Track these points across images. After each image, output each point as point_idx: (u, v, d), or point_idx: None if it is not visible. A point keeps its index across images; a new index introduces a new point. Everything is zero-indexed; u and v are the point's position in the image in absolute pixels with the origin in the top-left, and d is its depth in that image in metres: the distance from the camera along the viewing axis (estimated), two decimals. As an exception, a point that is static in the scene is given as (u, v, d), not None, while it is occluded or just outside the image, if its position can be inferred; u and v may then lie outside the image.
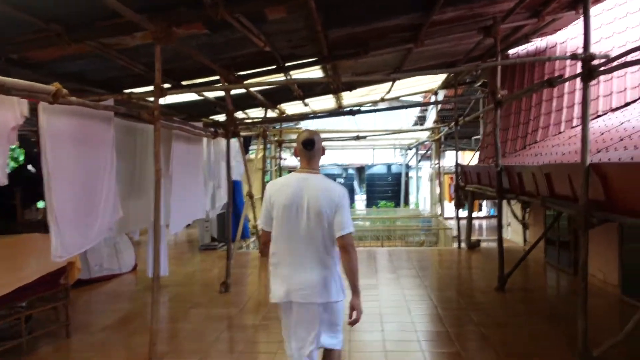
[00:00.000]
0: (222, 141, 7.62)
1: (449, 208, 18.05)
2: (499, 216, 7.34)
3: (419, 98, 22.95)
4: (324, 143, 3.38)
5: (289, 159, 22.95)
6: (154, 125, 4.62)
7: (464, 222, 10.67)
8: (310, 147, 3.22)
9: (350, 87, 10.33)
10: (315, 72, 8.61)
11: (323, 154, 3.34)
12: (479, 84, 13.91)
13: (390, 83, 11.74)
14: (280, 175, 13.61)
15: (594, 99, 9.23)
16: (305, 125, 17.55)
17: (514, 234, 13.48)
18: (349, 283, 3.18)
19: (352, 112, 9.13)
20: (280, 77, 8.01)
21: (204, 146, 7.60)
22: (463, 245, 10.41)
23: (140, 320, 6.01)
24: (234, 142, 7.92)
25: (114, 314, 6.39)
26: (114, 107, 4.68)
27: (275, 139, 12.87)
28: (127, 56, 5.59)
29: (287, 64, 7.18)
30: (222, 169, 8.06)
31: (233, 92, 8.58)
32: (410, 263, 8.95)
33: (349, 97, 12.87)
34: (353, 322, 3.14)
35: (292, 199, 3.10)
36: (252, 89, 8.38)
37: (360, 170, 21.83)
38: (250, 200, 9.26)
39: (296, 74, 8.38)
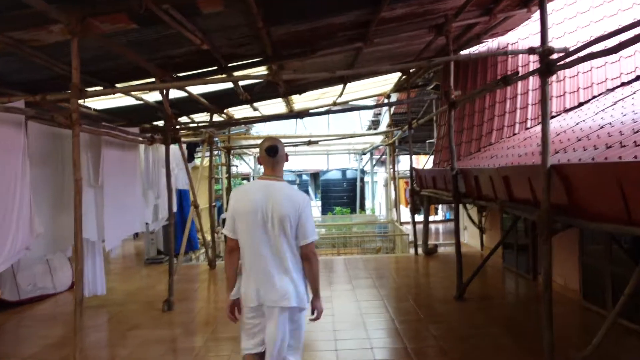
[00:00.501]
0: (162, 148, 7.08)
1: (405, 213, 17.90)
2: (456, 221, 7.05)
3: (371, 102, 22.93)
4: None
5: (242, 166, 22.44)
6: (72, 131, 4.08)
7: (420, 227, 10.41)
8: (273, 154, 3.25)
9: (300, 90, 9.94)
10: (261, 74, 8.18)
11: (286, 160, 3.39)
12: (431, 86, 13.77)
13: (342, 86, 11.42)
14: (230, 184, 13.07)
15: (535, 103, 9.13)
16: (256, 131, 17.07)
17: (470, 238, 13.35)
18: (310, 287, 3.30)
19: (299, 115, 8.72)
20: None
21: (141, 153, 7.02)
22: (420, 251, 10.14)
23: (72, 348, 5.39)
24: (175, 149, 7.36)
25: (42, 340, 5.72)
26: (21, 109, 4.10)
27: (223, 145, 12.32)
28: (47, 54, 5.01)
29: (229, 64, 6.70)
30: (162, 178, 7.50)
31: (175, 95, 8.06)
32: (366, 272, 8.59)
33: (300, 102, 12.49)
34: (315, 319, 3.37)
35: (256, 206, 3.13)
36: (194, 92, 7.87)
37: (315, 176, 21.50)
38: (195, 210, 8.69)
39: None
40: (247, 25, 5.39)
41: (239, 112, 12.32)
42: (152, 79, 6.43)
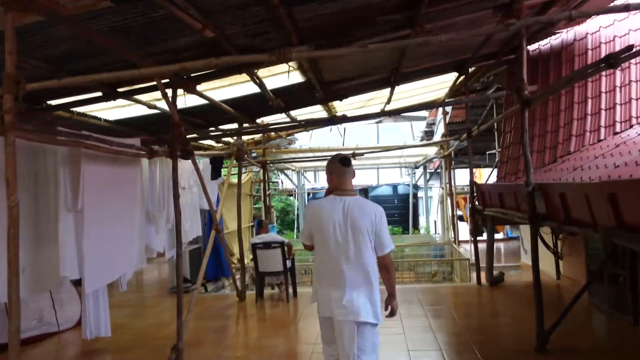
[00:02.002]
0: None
1: (464, 230, 16.25)
2: (534, 251, 5.56)
3: (424, 114, 21.38)
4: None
5: (285, 182, 21.36)
6: (5, 138, 2.96)
7: (483, 246, 8.87)
8: (348, 164, 3.43)
9: (340, 95, 8.68)
10: (292, 75, 7.00)
11: (354, 176, 3.49)
12: (492, 90, 12.26)
13: (389, 92, 10.10)
14: (267, 201, 11.90)
15: (625, 103, 7.52)
16: (300, 144, 15.91)
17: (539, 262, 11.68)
18: (387, 290, 3.40)
19: (335, 120, 7.59)
20: (244, 80, 6.43)
21: (144, 170, 5.90)
22: (483, 279, 8.60)
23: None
24: (187, 164, 6.23)
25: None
26: None
27: (259, 158, 11.15)
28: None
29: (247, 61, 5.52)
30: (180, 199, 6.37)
31: (196, 102, 7.00)
32: (420, 307, 7.17)
33: (343, 110, 11.25)
34: (390, 315, 3.40)
35: (333, 220, 3.23)
36: (215, 98, 6.77)
37: (365, 192, 20.10)
38: (218, 233, 7.54)
39: (266, 77, 6.77)
40: (261, 4, 4.20)
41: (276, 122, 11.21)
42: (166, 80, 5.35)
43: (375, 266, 3.29)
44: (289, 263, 8.24)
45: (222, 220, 10.04)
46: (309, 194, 19.68)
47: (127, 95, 5.89)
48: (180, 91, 5.73)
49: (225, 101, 7.38)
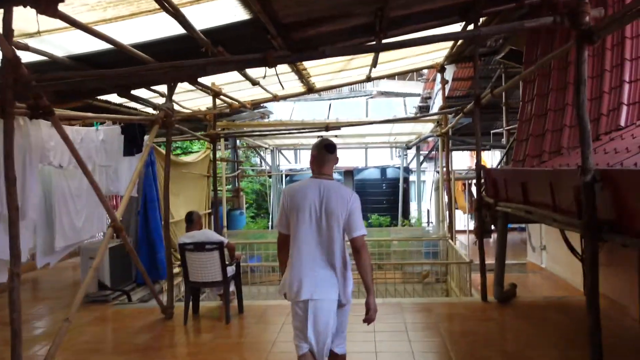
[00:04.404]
0: (38, 127, 3.79)
1: (459, 218, 14.17)
2: (593, 271, 3.43)
3: (418, 89, 19.15)
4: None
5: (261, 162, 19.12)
6: None
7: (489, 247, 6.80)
8: (332, 150, 3.47)
9: (308, 44, 6.49)
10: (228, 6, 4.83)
11: (336, 162, 3.53)
12: (501, 55, 10.10)
13: (372, 55, 7.95)
14: (216, 186, 9.72)
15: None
16: (268, 116, 13.66)
17: (554, 264, 9.63)
18: (363, 283, 3.34)
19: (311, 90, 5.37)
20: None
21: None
22: (489, 295, 6.53)
23: None
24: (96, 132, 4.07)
25: None
26: None
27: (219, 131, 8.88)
28: None
29: None
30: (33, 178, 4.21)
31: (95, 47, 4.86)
32: (402, 340, 5.10)
33: (317, 74, 9.10)
34: (368, 320, 3.34)
35: (309, 203, 3.30)
36: (122, 41, 4.62)
37: (350, 174, 17.89)
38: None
39: (185, 4, 4.59)
40: None
41: (239, 89, 9.05)
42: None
43: (346, 250, 3.36)
44: (231, 270, 6.14)
45: (157, 206, 7.92)
46: (286, 176, 17.38)
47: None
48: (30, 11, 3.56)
49: (140, 46, 5.23)
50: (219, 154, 12.01)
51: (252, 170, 19.52)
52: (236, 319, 6.13)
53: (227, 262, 5.94)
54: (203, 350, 5.15)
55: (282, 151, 18.35)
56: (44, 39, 4.90)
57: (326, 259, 3.28)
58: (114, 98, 8.33)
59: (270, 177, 17.34)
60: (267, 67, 4.13)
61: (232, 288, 6.34)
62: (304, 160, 20.61)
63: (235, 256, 6.19)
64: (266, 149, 16.52)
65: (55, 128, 3.92)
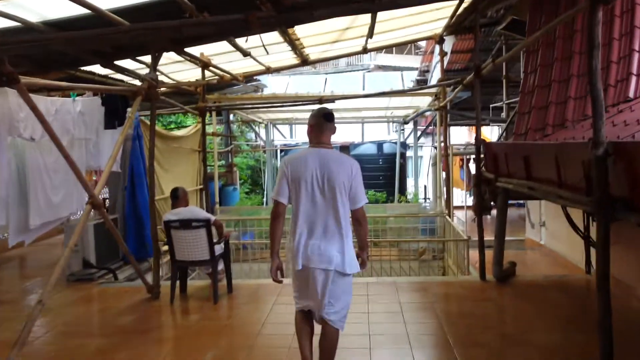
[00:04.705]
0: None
1: (458, 194, 13.91)
2: (602, 264, 3.17)
3: (416, 63, 18.70)
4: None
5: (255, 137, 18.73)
6: None
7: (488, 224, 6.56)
8: (330, 119, 3.45)
9: (300, 10, 6.13)
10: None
11: (334, 132, 3.49)
12: (502, 26, 9.72)
13: (368, 24, 7.58)
14: (205, 159, 9.40)
15: None
16: (264, 89, 13.28)
17: (554, 241, 9.42)
18: (358, 242, 3.52)
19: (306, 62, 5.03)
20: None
21: None
22: (488, 274, 6.31)
23: None
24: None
25: None
26: None
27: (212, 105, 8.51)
28: None
29: None
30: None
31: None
32: (399, 319, 4.88)
33: (310, 45, 8.74)
34: (361, 266, 3.46)
35: (310, 173, 3.28)
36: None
37: (346, 149, 17.57)
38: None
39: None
40: None
41: (229, 61, 8.70)
42: None
43: (348, 219, 3.35)
44: (219, 248, 5.90)
45: (145, 181, 7.62)
46: (281, 151, 17.03)
47: None
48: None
49: (120, 12, 4.89)
50: (210, 129, 11.71)
51: (248, 145, 19.16)
52: (225, 299, 5.91)
53: (215, 240, 5.68)
54: (188, 333, 4.92)
55: (277, 126, 17.98)
56: (16, 2, 4.57)
57: (329, 228, 3.28)
58: (99, 69, 8.01)
59: (265, 152, 16.99)
60: (250, 31, 3.78)
61: (221, 266, 6.12)
62: (299, 135, 20.21)
63: (224, 234, 5.93)
64: (260, 123, 16.13)
65: (22, 97, 3.61)
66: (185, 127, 13.75)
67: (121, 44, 6.19)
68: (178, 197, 5.82)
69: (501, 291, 5.86)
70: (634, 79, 5.10)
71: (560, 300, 5.47)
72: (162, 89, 9.41)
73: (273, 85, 16.14)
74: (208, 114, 10.47)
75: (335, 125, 3.52)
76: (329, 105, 10.08)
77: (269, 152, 16.59)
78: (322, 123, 3.40)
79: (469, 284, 6.22)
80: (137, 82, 8.34)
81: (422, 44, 16.44)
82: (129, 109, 5.95)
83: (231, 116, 14.79)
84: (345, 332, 3.70)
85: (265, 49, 6.52)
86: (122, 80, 8.62)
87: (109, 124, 5.73)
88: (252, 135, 18.97)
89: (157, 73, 8.88)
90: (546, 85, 6.00)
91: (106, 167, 4.88)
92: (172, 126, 16.08)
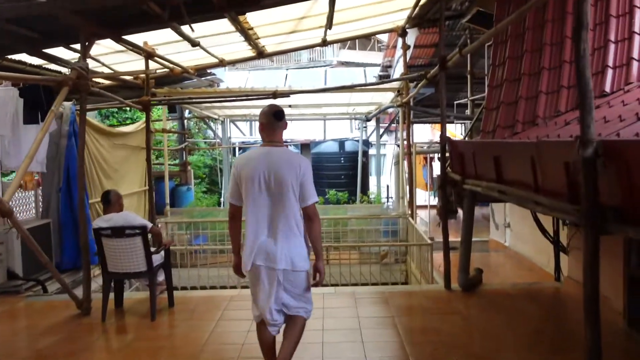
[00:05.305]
0: None
1: (421, 193, 13.54)
2: (591, 284, 2.71)
3: (378, 59, 18.29)
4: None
5: (211, 134, 17.97)
6: None
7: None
8: (281, 117, 3.42)
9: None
10: None
11: (285, 128, 3.48)
12: (467, 18, 9.34)
13: (326, 13, 7.06)
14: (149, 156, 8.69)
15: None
16: (219, 83, 12.60)
17: (518, 242, 9.10)
18: (313, 248, 3.40)
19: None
20: None
21: None
22: (453, 284, 5.87)
23: None
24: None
25: None
26: None
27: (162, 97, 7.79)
28: None
29: None
30: None
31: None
32: (354, 345, 4.36)
33: (264, 35, 8.17)
34: (316, 284, 3.40)
35: (259, 172, 3.26)
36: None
37: (307, 147, 17.00)
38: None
39: None
40: None
41: (177, 51, 8.06)
42: None
43: (299, 218, 3.34)
44: (159, 258, 5.27)
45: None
46: (239, 148, 16.35)
47: None
48: None
49: None
50: (160, 125, 10.99)
51: (205, 142, 18.41)
52: (165, 314, 5.30)
53: (151, 250, 5.06)
54: (119, 356, 4.30)
55: (236, 122, 17.28)
56: None
57: (278, 228, 3.26)
58: (31, 59, 7.28)
59: (221, 149, 16.28)
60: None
61: (161, 277, 5.50)
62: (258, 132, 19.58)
63: (163, 242, 5.30)
64: (216, 120, 15.40)
65: None
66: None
67: (51, 28, 5.54)
68: (110, 202, 5.15)
69: (468, 302, 5.41)
70: (609, 72, 4.72)
71: (530, 311, 5.06)
72: (99, 80, 8.72)
73: (231, 80, 15.46)
74: (157, 109, 9.77)
75: (287, 121, 3.51)
76: (283, 100, 9.56)
77: (225, 149, 15.87)
78: (272, 122, 3.38)
79: (433, 295, 5.75)
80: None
81: (385, 38, 16.01)
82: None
83: (187, 112, 14.03)
84: (296, 357, 3.22)
85: (190, 27, 5.87)
86: (58, 72, 7.89)
87: (29, 119, 5.03)
88: (210, 132, 18.23)
89: (98, 64, 8.17)
90: (515, 79, 5.58)
91: (20, 169, 4.20)
92: (128, 122, 15.16)
